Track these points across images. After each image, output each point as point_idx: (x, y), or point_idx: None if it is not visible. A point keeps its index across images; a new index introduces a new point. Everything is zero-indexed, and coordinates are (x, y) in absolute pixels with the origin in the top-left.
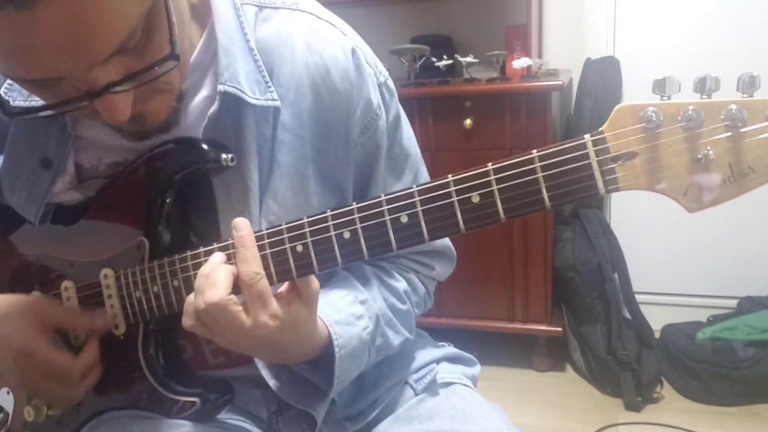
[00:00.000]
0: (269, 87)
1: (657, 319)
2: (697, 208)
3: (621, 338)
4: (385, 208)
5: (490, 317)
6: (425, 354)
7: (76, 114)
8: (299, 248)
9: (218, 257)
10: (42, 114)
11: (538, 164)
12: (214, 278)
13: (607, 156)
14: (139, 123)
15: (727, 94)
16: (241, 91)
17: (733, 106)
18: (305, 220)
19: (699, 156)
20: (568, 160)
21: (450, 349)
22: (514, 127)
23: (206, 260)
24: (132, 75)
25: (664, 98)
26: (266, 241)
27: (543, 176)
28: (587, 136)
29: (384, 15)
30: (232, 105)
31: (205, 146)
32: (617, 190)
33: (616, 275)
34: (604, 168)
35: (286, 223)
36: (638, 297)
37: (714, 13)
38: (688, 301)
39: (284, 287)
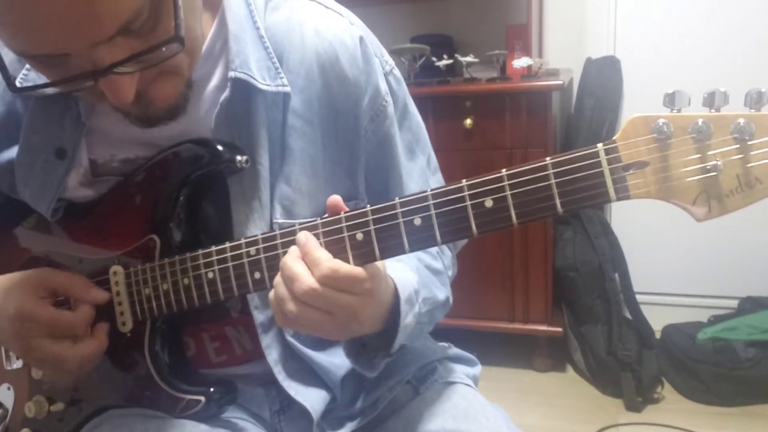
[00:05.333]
0: (279, 73)
1: (657, 319)
2: (704, 217)
3: (621, 338)
4: (399, 210)
5: (490, 317)
6: (427, 353)
7: (83, 95)
8: None
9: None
10: (47, 91)
11: (552, 171)
12: (314, 257)
13: (619, 164)
14: (145, 106)
15: (727, 88)
16: (251, 77)
17: (741, 120)
18: (319, 221)
19: (708, 167)
20: (580, 167)
21: (452, 349)
22: (515, 127)
23: (217, 258)
24: (136, 55)
25: (674, 111)
26: (279, 241)
27: (556, 183)
28: (600, 145)
29: (384, 15)
30: (242, 92)
31: (220, 147)
32: (627, 198)
33: (616, 275)
34: (616, 176)
35: (300, 223)
36: (639, 297)
37: (714, 12)
38: (689, 302)
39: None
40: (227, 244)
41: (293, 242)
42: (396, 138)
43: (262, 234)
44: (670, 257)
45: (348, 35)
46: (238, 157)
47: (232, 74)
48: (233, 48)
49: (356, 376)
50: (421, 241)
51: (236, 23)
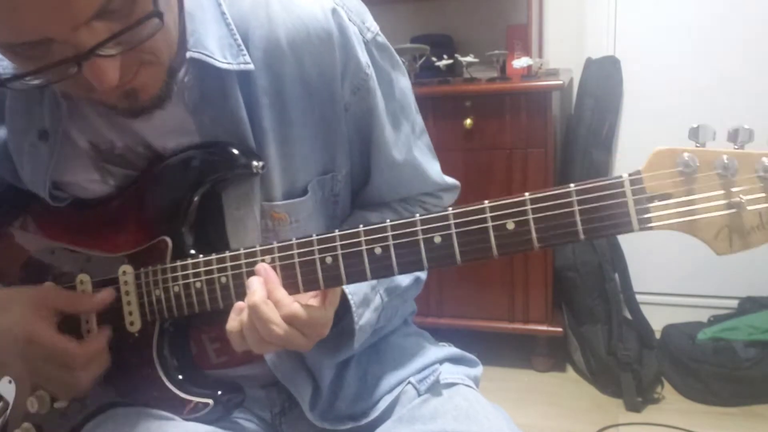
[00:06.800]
0: (242, 50)
1: (657, 319)
2: (725, 251)
3: (621, 338)
4: (419, 228)
5: (490, 317)
6: (428, 354)
7: (70, 89)
8: (329, 260)
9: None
10: (31, 81)
11: (575, 198)
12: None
13: (643, 196)
14: (133, 99)
15: (730, 89)
16: (207, 56)
17: (766, 159)
18: (337, 233)
19: (731, 203)
20: (604, 196)
21: (452, 350)
22: (515, 127)
23: (231, 264)
24: (116, 34)
25: (698, 145)
26: (295, 251)
27: (579, 210)
28: (625, 175)
29: (384, 14)
30: (209, 73)
31: (235, 151)
32: (650, 229)
33: (616, 275)
34: (639, 207)
35: (317, 235)
36: (639, 297)
37: (715, 12)
38: (689, 302)
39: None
40: (242, 251)
41: (311, 252)
42: (379, 108)
43: (278, 243)
44: (670, 257)
45: (318, 7)
46: (254, 162)
47: (188, 54)
48: (188, 27)
49: (357, 376)
50: (440, 259)
51: (193, 1)
